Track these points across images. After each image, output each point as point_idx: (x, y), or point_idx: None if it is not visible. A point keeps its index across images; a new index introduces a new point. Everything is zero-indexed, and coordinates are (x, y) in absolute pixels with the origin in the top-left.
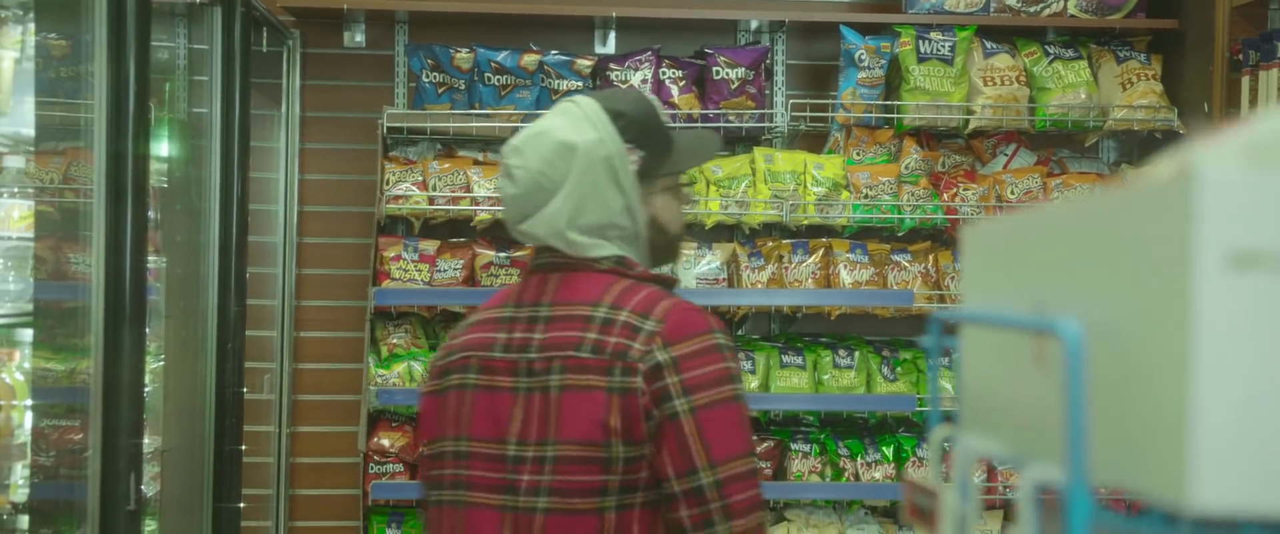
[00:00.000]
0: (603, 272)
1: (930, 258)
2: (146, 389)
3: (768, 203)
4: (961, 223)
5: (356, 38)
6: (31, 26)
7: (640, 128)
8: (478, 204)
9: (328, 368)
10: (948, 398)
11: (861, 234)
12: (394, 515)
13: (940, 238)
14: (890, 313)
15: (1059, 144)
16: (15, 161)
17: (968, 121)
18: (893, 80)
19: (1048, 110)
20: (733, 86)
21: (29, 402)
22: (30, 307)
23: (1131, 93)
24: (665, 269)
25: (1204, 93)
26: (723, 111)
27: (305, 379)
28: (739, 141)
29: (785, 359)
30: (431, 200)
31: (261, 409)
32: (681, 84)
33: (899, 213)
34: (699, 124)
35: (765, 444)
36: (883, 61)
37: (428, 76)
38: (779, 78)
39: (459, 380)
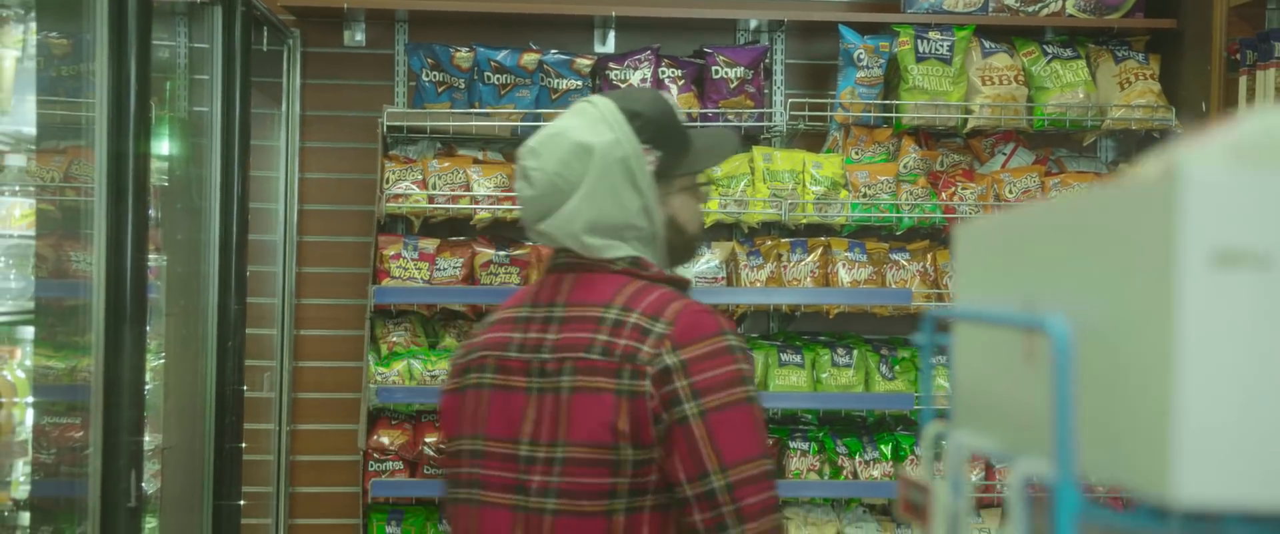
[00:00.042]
0: (616, 272)
1: (928, 257)
2: (147, 387)
3: (766, 202)
4: (960, 222)
5: (356, 37)
6: (33, 25)
7: (657, 128)
8: (477, 203)
9: (328, 366)
10: (943, 396)
11: (860, 233)
12: (393, 513)
13: (938, 237)
14: (888, 311)
15: (1057, 143)
16: (17, 160)
17: (966, 121)
18: (891, 80)
19: (1046, 110)
20: (732, 86)
21: (30, 399)
22: (31, 304)
23: (1129, 92)
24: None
25: (1202, 92)
26: (722, 111)
27: (305, 377)
28: None
29: (784, 357)
30: (431, 199)
31: (261, 407)
32: (681, 83)
33: (897, 212)
34: (700, 124)
35: None
36: (881, 61)
37: (427, 75)
38: (778, 77)
39: (476, 379)
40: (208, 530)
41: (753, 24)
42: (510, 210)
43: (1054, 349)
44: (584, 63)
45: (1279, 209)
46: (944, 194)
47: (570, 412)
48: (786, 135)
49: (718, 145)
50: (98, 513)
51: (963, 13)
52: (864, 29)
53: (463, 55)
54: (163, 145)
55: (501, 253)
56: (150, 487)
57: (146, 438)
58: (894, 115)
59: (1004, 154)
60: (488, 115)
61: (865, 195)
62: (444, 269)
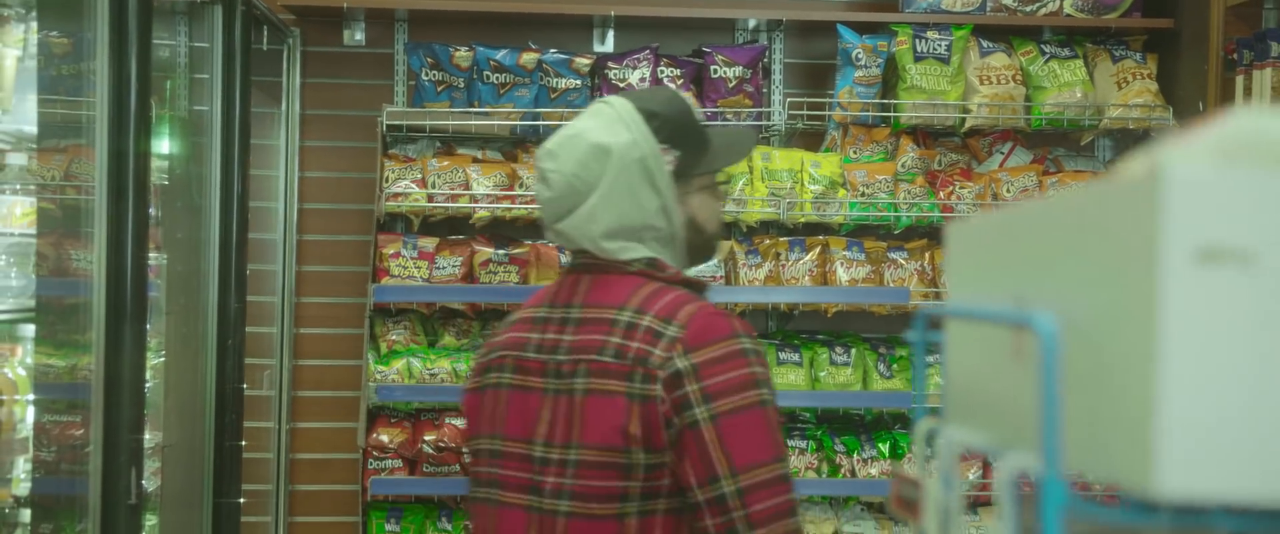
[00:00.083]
0: (632, 274)
1: (926, 255)
2: (147, 385)
3: (765, 201)
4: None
5: (356, 36)
6: (34, 25)
7: (675, 127)
8: (476, 201)
9: (327, 364)
10: (938, 393)
11: (858, 232)
12: (393, 511)
13: (936, 236)
14: (886, 310)
15: (1055, 143)
16: (17, 159)
17: (964, 120)
18: (889, 79)
19: (1043, 109)
20: (730, 85)
21: (31, 397)
22: (32, 303)
23: (1127, 92)
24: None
25: (1199, 92)
26: (720, 110)
27: (305, 375)
28: None
29: (782, 356)
30: (430, 198)
31: (261, 405)
32: (679, 83)
33: (895, 211)
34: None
35: None
36: (879, 60)
37: (427, 75)
38: (776, 76)
39: (495, 379)
40: (208, 528)
41: (751, 23)
42: (509, 209)
43: (1041, 346)
44: (583, 62)
45: (1261, 207)
46: (942, 193)
47: (583, 414)
48: (785, 134)
49: (736, 144)
50: (98, 510)
51: (961, 12)
52: (862, 28)
53: (462, 54)
54: (163, 144)
55: (501, 251)
56: (150, 484)
57: (147, 435)
58: (892, 115)
59: (1002, 153)
60: (487, 114)
61: (863, 194)
62: (443, 268)
